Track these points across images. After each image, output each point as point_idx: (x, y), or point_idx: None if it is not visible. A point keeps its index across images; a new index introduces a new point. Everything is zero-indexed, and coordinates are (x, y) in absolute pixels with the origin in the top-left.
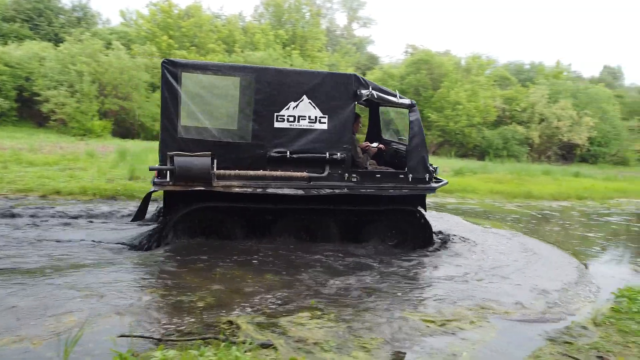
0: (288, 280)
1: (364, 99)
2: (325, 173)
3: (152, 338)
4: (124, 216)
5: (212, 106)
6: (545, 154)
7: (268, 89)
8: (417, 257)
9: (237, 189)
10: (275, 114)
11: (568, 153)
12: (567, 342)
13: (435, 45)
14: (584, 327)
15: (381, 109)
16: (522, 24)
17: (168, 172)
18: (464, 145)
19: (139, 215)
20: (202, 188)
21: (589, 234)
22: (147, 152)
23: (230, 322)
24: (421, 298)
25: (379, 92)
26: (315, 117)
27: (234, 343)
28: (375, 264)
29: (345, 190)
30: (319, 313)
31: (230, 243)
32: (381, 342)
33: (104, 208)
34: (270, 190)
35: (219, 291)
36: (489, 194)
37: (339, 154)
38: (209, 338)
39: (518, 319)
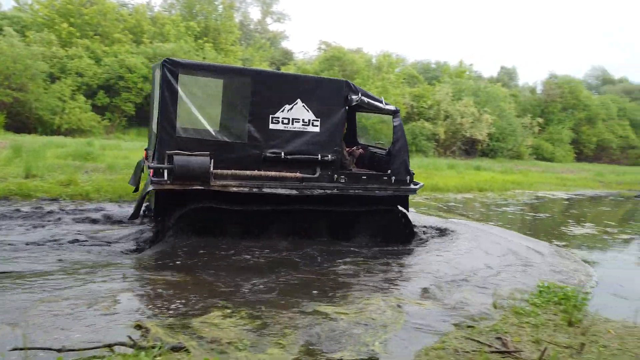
0: (202, 279)
1: (354, 104)
2: (317, 174)
3: (49, 349)
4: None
5: (210, 106)
6: (450, 149)
7: (264, 91)
8: (342, 250)
9: (234, 189)
10: (271, 115)
11: (470, 148)
12: (470, 326)
13: (348, 43)
14: (486, 311)
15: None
16: (429, 24)
17: (165, 171)
18: (376, 141)
19: (135, 214)
20: (201, 187)
21: (490, 223)
22: (45, 147)
23: (139, 326)
24: (337, 291)
25: (367, 98)
26: (309, 120)
27: (143, 348)
28: (297, 259)
29: (336, 190)
30: (229, 312)
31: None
32: (296, 337)
33: None
34: (266, 190)
35: (127, 294)
36: None
37: (329, 156)
38: (115, 345)
39: (429, 307)
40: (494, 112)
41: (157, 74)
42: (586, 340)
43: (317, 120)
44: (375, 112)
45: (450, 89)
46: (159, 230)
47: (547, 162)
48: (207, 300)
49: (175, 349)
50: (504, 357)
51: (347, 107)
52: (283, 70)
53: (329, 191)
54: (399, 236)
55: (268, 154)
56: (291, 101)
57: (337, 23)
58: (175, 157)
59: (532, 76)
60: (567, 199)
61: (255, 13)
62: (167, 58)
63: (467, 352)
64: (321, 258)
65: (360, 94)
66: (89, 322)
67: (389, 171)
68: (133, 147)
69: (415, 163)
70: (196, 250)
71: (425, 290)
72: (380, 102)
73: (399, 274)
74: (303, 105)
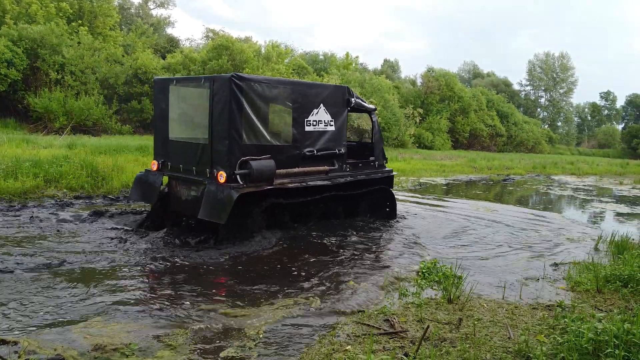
0: (78, 285)
1: (352, 105)
2: (337, 166)
3: None
4: None
5: (265, 114)
6: None
7: (300, 99)
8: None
9: (290, 185)
10: (305, 119)
11: (359, 138)
12: (360, 311)
13: (236, 31)
14: (375, 295)
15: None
16: (318, 16)
17: (238, 175)
18: None
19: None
20: (269, 187)
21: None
22: None
23: (3, 341)
24: (221, 290)
25: (359, 100)
26: (328, 121)
27: None
28: (184, 260)
29: (349, 178)
30: (109, 317)
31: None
32: (187, 339)
33: None
34: (311, 183)
35: None
36: None
37: (342, 150)
38: None
39: (324, 293)
40: (379, 103)
41: (187, 88)
42: (463, 315)
43: (332, 121)
44: (360, 112)
45: (338, 80)
46: (239, 228)
47: (428, 150)
48: (89, 304)
49: None
50: (391, 338)
51: (348, 108)
52: (169, 57)
53: (349, 178)
54: (389, 210)
55: (306, 153)
56: (317, 106)
57: (224, 10)
58: (252, 163)
59: (412, 69)
60: (446, 184)
61: None
62: (234, 73)
63: (357, 336)
64: (215, 256)
65: (355, 97)
66: None
67: (372, 158)
68: None
69: None
70: (83, 252)
71: (317, 277)
72: (365, 102)
73: (301, 263)
74: (324, 109)
